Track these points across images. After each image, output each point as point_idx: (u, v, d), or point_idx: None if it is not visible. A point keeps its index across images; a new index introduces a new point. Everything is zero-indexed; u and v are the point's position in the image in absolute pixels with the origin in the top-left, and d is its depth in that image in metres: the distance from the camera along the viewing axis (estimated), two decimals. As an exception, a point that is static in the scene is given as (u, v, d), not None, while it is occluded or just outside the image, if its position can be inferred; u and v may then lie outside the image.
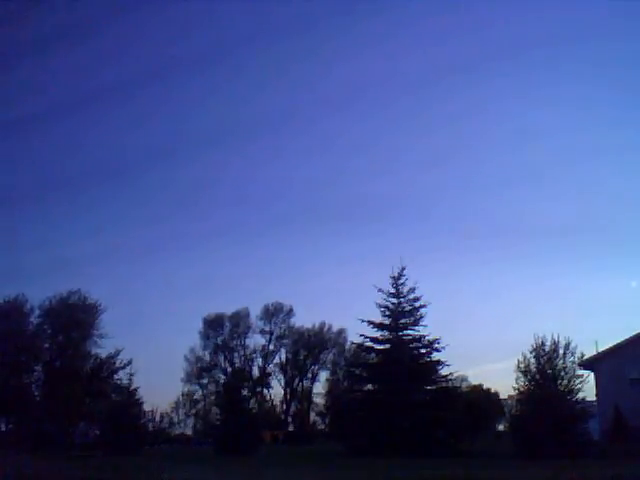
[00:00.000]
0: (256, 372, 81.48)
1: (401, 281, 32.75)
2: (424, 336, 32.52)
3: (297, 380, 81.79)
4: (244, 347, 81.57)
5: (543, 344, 26.50)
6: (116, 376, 56.71)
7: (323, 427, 77.81)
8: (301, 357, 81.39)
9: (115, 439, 32.82)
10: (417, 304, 32.56)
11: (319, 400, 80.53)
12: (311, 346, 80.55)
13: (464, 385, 67.71)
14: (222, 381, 75.47)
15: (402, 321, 32.90)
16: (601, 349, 38.74)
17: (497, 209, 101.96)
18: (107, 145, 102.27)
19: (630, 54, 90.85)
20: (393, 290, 32.84)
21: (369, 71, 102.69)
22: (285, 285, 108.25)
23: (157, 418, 74.09)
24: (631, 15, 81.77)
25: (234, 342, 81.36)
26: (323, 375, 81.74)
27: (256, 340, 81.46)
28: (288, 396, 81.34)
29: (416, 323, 32.77)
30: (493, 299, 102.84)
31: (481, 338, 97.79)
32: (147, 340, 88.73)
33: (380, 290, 32.68)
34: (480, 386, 77.00)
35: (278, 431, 70.64)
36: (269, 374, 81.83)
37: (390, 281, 32.85)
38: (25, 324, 57.67)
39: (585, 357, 30.88)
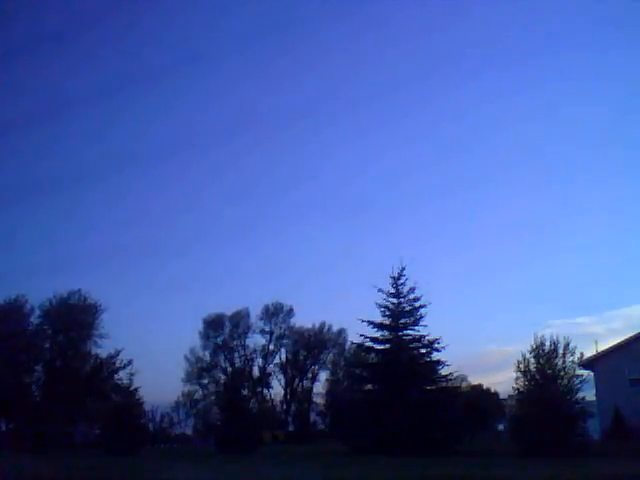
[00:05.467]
0: (256, 372, 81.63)
1: (401, 281, 32.73)
2: (424, 336, 32.52)
3: (297, 380, 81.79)
4: (244, 347, 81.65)
5: (542, 344, 26.52)
6: (116, 376, 56.82)
7: (323, 427, 77.80)
8: (301, 357, 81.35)
9: (115, 439, 32.81)
10: (417, 304, 32.56)
11: (319, 400, 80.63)
12: (311, 346, 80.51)
13: (464, 385, 67.75)
14: (222, 381, 75.58)
15: (402, 321, 32.88)
16: (601, 349, 38.84)
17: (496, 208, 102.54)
18: (107, 145, 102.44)
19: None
20: (393, 290, 32.82)
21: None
22: (285, 285, 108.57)
23: (157, 418, 74.58)
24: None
25: (234, 342, 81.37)
26: (323, 375, 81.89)
27: (256, 340, 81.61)
28: (288, 396, 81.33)
29: (416, 323, 32.75)
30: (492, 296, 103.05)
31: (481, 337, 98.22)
32: (147, 340, 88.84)
33: (380, 290, 32.69)
34: (480, 386, 77.06)
35: (278, 431, 70.64)
36: (269, 374, 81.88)
37: (390, 281, 32.86)
38: (25, 324, 57.75)
39: (585, 357, 30.94)
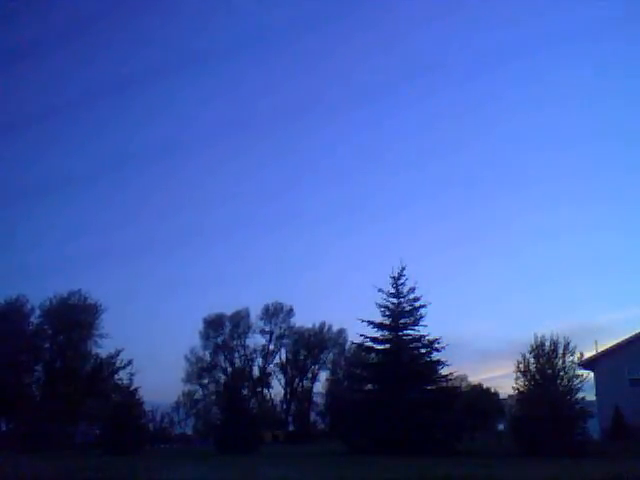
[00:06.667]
0: (256, 372, 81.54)
1: (401, 281, 32.75)
2: (424, 336, 32.55)
3: (297, 380, 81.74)
4: (244, 347, 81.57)
5: (542, 344, 26.53)
6: (116, 376, 56.77)
7: (323, 427, 77.79)
8: (301, 357, 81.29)
9: (115, 439, 32.79)
10: (417, 304, 32.57)
11: (319, 400, 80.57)
12: (311, 346, 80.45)
13: (464, 385, 67.80)
14: (222, 381, 75.55)
15: (402, 321, 32.90)
16: (601, 349, 38.83)
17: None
18: (107, 145, 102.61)
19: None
20: (393, 290, 32.84)
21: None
22: (285, 285, 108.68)
23: (157, 418, 74.45)
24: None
25: (234, 342, 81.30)
26: (323, 375, 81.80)
27: (256, 340, 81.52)
28: (288, 396, 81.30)
29: (416, 323, 32.78)
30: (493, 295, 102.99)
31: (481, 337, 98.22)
32: (147, 340, 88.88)
33: (380, 290, 32.71)
34: (480, 386, 77.14)
35: (278, 431, 70.61)
36: (269, 374, 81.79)
37: (390, 281, 32.88)
38: (25, 324, 57.69)
39: (585, 357, 30.94)
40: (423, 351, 32.95)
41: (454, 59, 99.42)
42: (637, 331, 37.79)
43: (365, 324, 32.80)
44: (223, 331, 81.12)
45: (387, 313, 32.91)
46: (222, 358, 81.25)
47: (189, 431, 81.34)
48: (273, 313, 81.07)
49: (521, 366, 26.88)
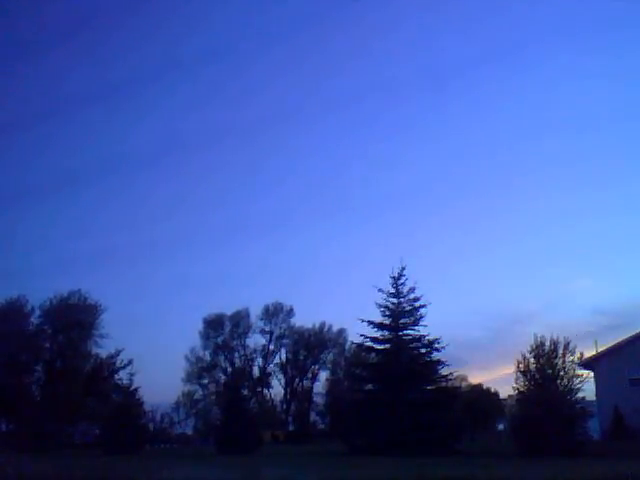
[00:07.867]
0: (256, 372, 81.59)
1: (401, 281, 32.81)
2: (424, 336, 32.62)
3: (297, 380, 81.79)
4: (244, 347, 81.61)
5: (542, 344, 26.54)
6: (116, 376, 56.74)
7: (323, 427, 77.80)
8: (301, 357, 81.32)
9: (115, 439, 32.82)
10: (417, 304, 32.62)
11: (319, 400, 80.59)
12: (311, 346, 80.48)
13: (464, 385, 67.82)
14: (222, 381, 75.58)
15: (402, 321, 32.95)
16: (601, 349, 38.85)
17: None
18: (107, 145, 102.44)
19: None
20: (393, 290, 32.88)
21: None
22: (285, 285, 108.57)
23: (157, 418, 74.45)
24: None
25: (234, 342, 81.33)
26: (323, 375, 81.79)
27: (256, 340, 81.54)
28: (288, 396, 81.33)
29: (416, 323, 32.84)
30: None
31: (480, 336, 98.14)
32: (147, 340, 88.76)
33: (380, 290, 32.77)
34: (480, 386, 77.12)
35: (278, 431, 70.63)
36: (269, 374, 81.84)
37: (390, 281, 32.92)
38: (25, 324, 57.61)
39: (585, 357, 30.94)
40: (423, 351, 32.99)
41: (442, 55, 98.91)
42: (637, 331, 37.79)
43: (365, 324, 32.89)
44: (223, 331, 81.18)
45: (387, 313, 32.95)
46: (222, 358, 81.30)
47: (189, 431, 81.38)
48: (273, 313, 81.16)
49: (521, 366, 26.90)
